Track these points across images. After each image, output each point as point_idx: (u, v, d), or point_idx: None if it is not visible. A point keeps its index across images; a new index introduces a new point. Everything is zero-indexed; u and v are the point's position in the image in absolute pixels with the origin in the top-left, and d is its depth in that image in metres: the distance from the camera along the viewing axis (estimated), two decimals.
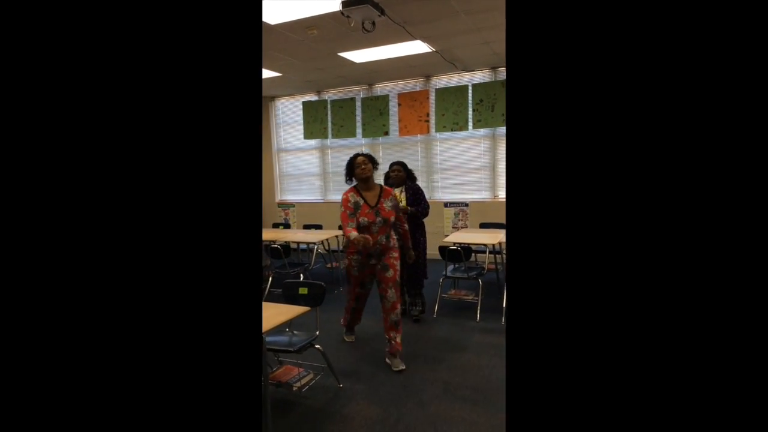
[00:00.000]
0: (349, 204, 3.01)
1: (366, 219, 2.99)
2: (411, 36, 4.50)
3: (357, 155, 3.13)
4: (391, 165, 3.91)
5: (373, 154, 3.31)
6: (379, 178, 3.58)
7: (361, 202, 3.03)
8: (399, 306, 3.08)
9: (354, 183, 3.14)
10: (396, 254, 3.14)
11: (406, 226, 3.31)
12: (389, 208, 3.07)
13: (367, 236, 2.84)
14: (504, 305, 4.15)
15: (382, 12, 3.38)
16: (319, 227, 6.12)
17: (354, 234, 2.84)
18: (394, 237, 3.22)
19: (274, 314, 2.36)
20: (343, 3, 3.23)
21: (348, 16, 3.37)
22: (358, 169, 3.06)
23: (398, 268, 3.13)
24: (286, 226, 6.73)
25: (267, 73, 5.87)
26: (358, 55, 5.21)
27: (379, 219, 3.02)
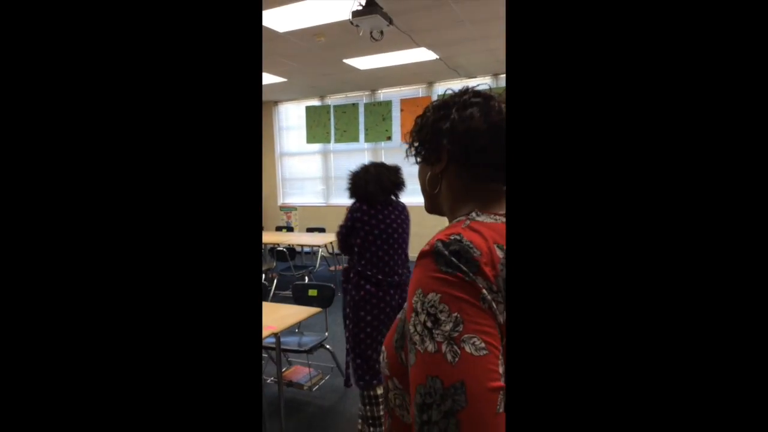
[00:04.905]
0: None
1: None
2: (416, 44, 4.58)
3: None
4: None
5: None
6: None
7: None
8: None
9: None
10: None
11: None
12: None
13: None
14: None
15: (391, 21, 3.46)
16: (322, 230, 6.18)
17: None
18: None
19: (286, 315, 2.41)
20: (352, 13, 3.31)
21: (357, 26, 3.45)
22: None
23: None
24: (289, 229, 6.78)
25: (272, 78, 5.93)
26: (363, 62, 5.29)
27: None
